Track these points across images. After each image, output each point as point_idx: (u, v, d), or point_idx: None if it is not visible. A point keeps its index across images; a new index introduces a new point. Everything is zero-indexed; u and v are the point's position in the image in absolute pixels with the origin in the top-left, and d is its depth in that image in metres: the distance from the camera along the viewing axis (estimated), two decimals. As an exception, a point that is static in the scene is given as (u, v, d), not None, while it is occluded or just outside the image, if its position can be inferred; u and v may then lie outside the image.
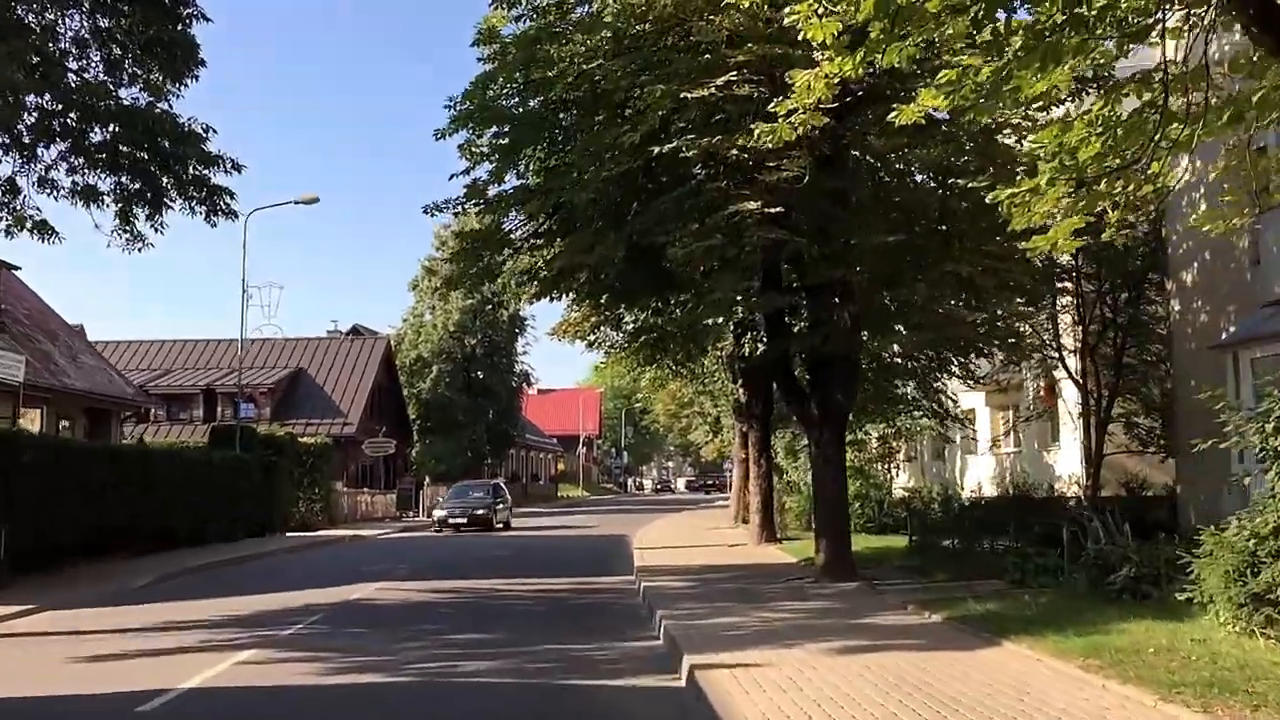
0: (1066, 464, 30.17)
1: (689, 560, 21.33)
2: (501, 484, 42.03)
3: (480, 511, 36.34)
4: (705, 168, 13.76)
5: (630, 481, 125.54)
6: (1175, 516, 18.84)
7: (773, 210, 12.30)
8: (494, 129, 16.92)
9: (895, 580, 15.56)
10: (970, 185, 13.34)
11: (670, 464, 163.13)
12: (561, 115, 16.10)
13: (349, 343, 54.91)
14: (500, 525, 37.10)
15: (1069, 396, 29.00)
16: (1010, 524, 15.13)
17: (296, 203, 30.77)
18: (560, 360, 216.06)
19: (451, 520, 36.16)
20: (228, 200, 15.69)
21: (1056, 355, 26.67)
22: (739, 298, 13.62)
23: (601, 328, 21.85)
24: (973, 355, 21.50)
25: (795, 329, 17.51)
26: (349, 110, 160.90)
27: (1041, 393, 30.86)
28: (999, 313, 14.50)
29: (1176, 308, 18.97)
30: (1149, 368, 26.04)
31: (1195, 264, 18.35)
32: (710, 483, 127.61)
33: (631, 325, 21.39)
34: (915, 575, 15.96)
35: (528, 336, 62.89)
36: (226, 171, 15.55)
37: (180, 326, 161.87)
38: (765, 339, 19.71)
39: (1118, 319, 25.18)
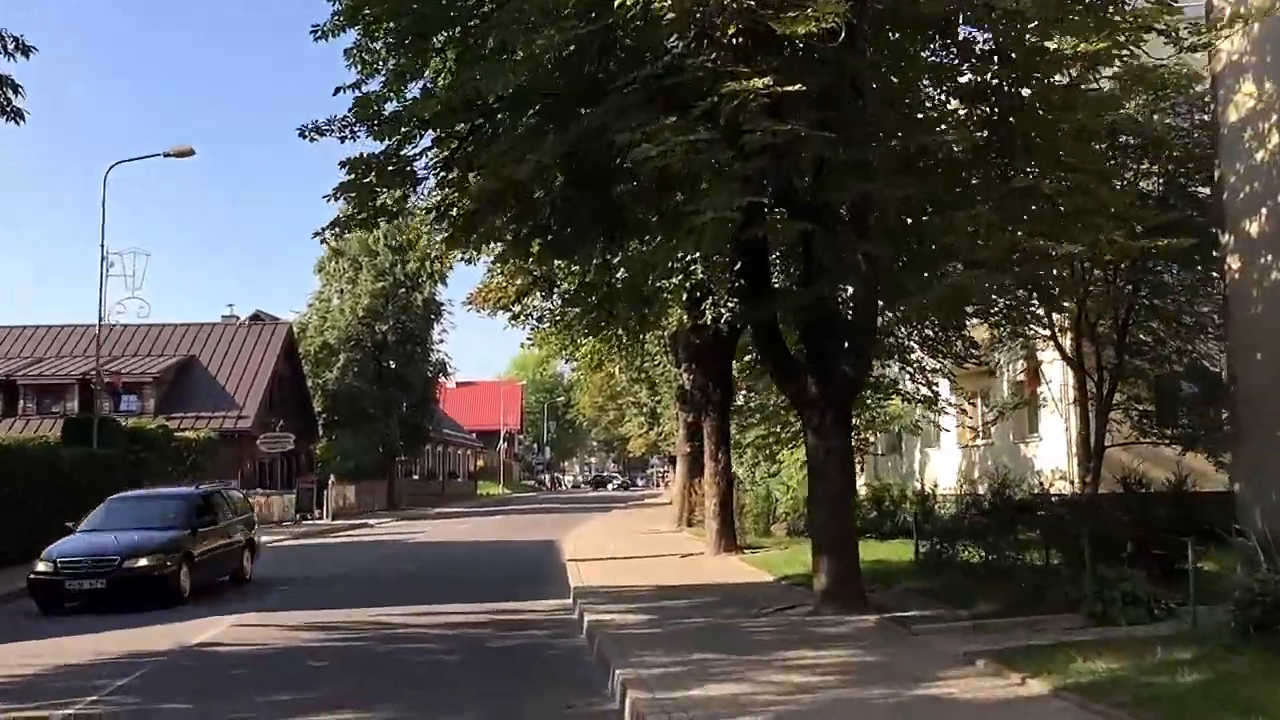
0: (1049, 457, 26.88)
1: (637, 577, 17.40)
2: (225, 493, 21.51)
3: (142, 563, 15.74)
4: (689, 41, 9.76)
5: (551, 478, 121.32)
6: (1233, 520, 15.48)
7: (789, 89, 8.40)
8: (393, 23, 12.72)
9: (922, 612, 11.78)
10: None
11: (593, 460, 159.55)
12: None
13: (246, 329, 49.95)
14: (188, 586, 16.30)
15: (1054, 379, 25.77)
16: (1083, 533, 11.35)
17: (167, 155, 26.15)
18: (481, 351, 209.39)
19: (71, 585, 15.55)
20: (8, 94, 11.35)
21: (1048, 331, 23.35)
22: (730, 223, 9.76)
23: (530, 295, 17.85)
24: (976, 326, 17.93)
25: (784, 283, 13.68)
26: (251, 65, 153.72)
27: (1023, 376, 27.54)
28: (1098, 239, 10.78)
29: (1236, 265, 15.56)
30: (1158, 345, 22.83)
31: (1262, 212, 14.94)
32: (625, 481, 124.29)
33: (569, 286, 17.46)
34: (943, 604, 12.21)
35: (444, 323, 58.34)
36: (7, 54, 11.22)
37: (54, 312, 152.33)
38: (738, 302, 15.94)
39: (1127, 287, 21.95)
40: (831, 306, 12.53)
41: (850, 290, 13.18)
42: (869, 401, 26.32)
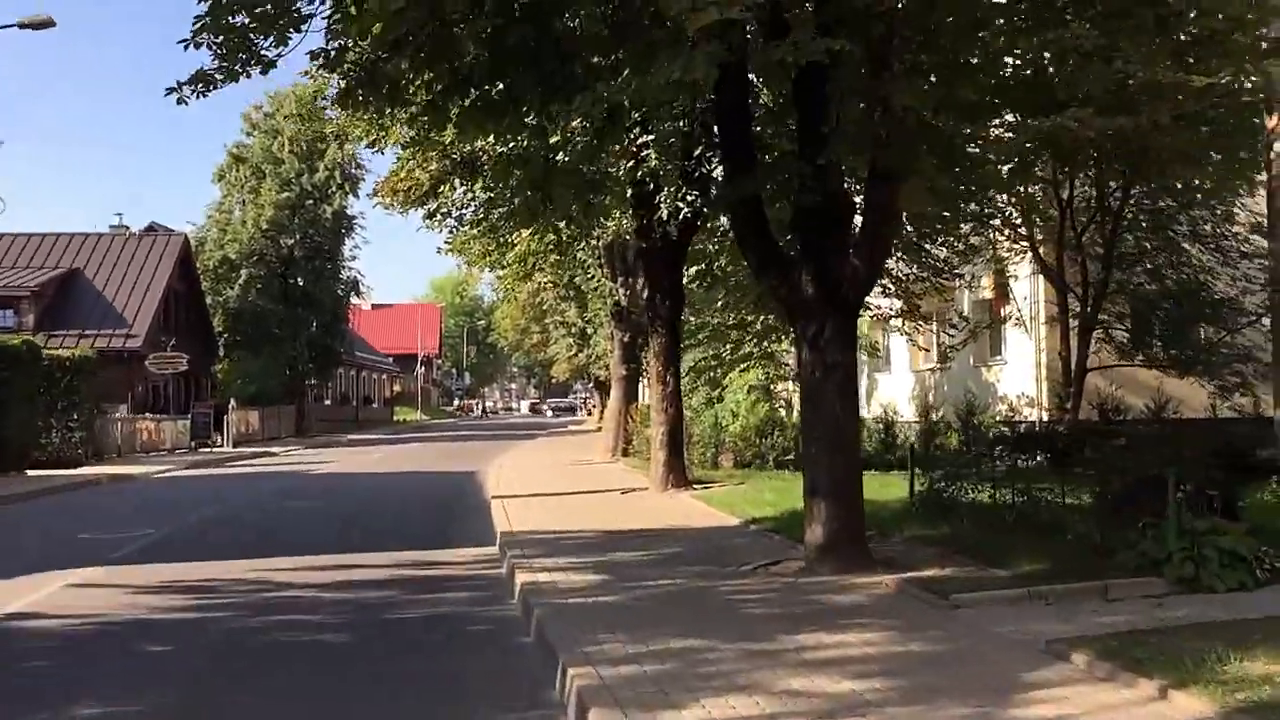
0: (1014, 381, 24.82)
1: (576, 519, 14.76)
2: None
3: None
4: None
5: (482, 405, 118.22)
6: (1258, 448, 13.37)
7: None
8: None
9: (945, 571, 9.30)
10: None
11: (514, 386, 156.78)
12: None
13: (137, 240, 45.81)
14: None
15: (1026, 297, 23.60)
16: (1158, 470, 8.87)
17: (23, 25, 22.26)
18: (398, 272, 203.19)
19: None
20: None
21: (1026, 242, 21.08)
22: (729, 46, 7.01)
23: (448, 184, 14.79)
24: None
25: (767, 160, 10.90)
26: None
27: (989, 293, 25.29)
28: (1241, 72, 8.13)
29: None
30: (1143, 256, 20.67)
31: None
32: (544, 406, 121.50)
33: (496, 168, 14.47)
34: (967, 559, 9.75)
35: (356, 238, 54.49)
36: None
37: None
38: (699, 194, 13.21)
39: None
40: (835, 184, 9.80)
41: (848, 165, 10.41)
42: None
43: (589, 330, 36.31)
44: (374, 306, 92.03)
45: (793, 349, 25.99)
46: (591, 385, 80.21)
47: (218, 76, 10.28)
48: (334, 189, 51.62)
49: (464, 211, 17.49)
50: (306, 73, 14.64)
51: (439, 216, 17.56)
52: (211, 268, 49.72)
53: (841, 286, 9.83)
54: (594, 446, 35.87)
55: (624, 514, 15.18)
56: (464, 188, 15.07)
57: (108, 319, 41.50)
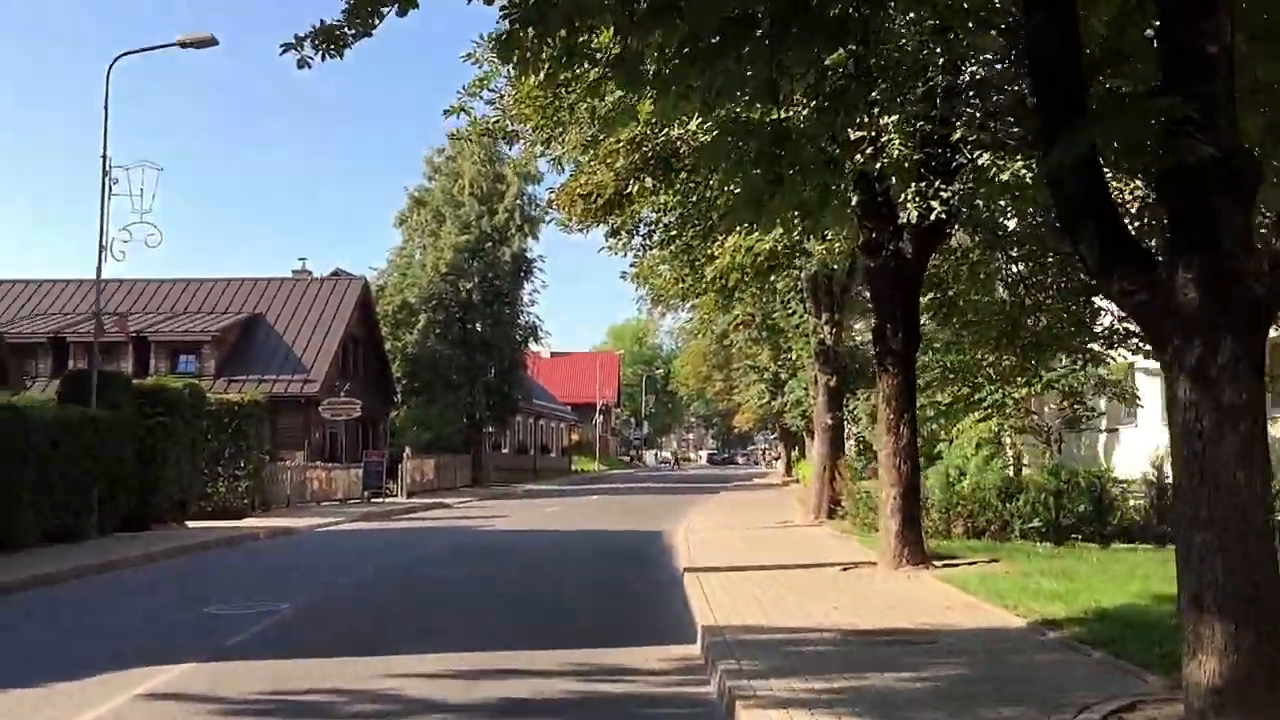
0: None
1: (797, 609, 11.47)
2: None
3: None
4: None
5: (675, 455, 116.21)
6: None
7: None
8: None
9: None
10: None
11: (690, 436, 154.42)
12: None
13: (318, 285, 45.10)
14: None
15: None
16: None
17: (184, 45, 20.86)
18: (576, 322, 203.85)
19: None
20: None
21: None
22: None
23: (637, 185, 11.85)
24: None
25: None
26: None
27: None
28: None
29: None
30: None
31: None
32: (726, 457, 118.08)
33: (715, 139, 11.53)
34: None
35: (535, 281, 52.79)
36: None
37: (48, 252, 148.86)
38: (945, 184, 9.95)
39: None
40: (1229, 134, 6.40)
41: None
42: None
43: (783, 375, 33.10)
44: (552, 355, 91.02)
45: (1015, 396, 22.07)
46: (775, 436, 76.62)
47: (348, 31, 7.65)
48: (513, 230, 50.21)
49: (653, 229, 14.69)
50: (470, 56, 12.13)
51: (623, 235, 14.80)
52: (390, 313, 48.84)
53: (1243, 288, 6.37)
54: (788, 504, 32.45)
55: (859, 602, 11.81)
56: (658, 187, 12.22)
57: (287, 364, 40.71)
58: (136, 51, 21.14)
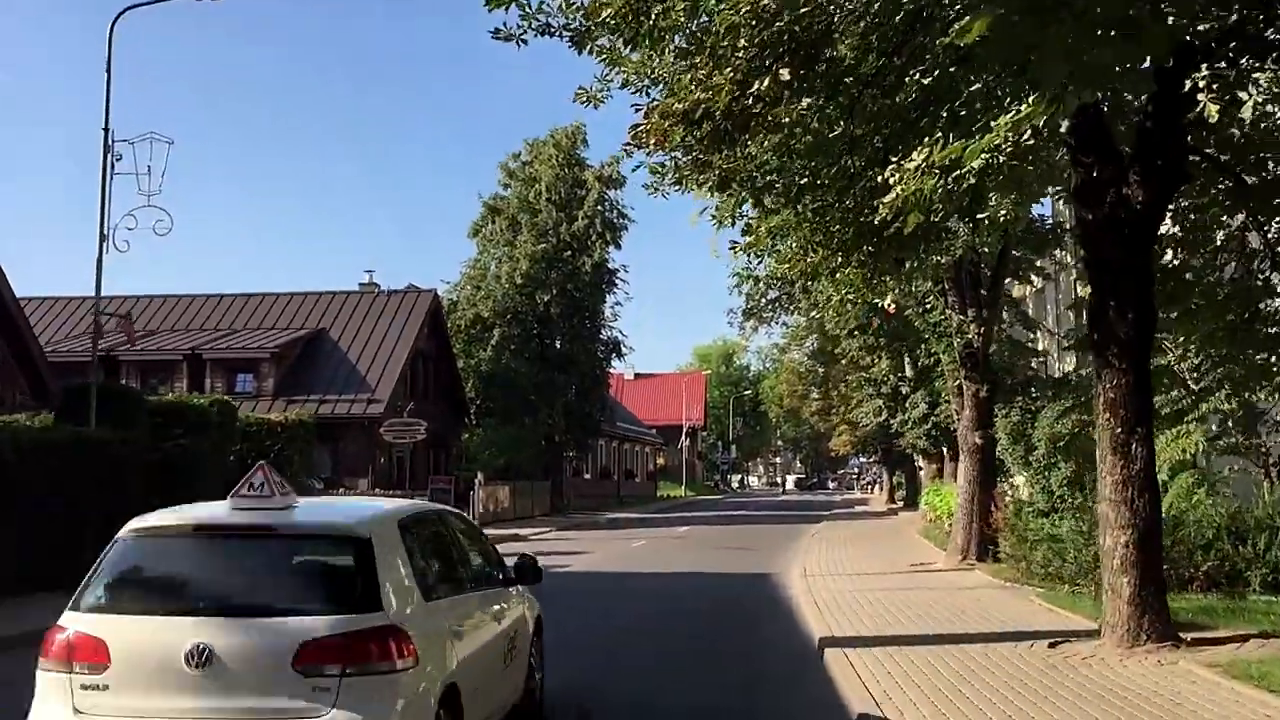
0: None
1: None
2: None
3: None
4: None
5: (738, 480, 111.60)
6: None
7: None
8: None
9: None
10: None
11: (778, 460, 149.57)
12: None
13: (385, 298, 41.84)
14: None
15: None
16: None
17: (201, -2, 17.51)
18: (661, 342, 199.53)
19: None
20: None
21: None
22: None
23: (757, 86, 7.95)
24: None
25: None
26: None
27: None
28: None
29: None
30: None
31: None
32: (816, 482, 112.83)
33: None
34: None
35: (617, 294, 48.98)
36: None
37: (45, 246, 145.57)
38: None
39: None
40: None
41: None
42: None
43: (903, 389, 28.75)
44: (637, 376, 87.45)
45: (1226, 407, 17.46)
46: (874, 459, 71.75)
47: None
48: (594, 238, 46.59)
49: (776, 175, 10.74)
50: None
51: (735, 188, 10.80)
52: (463, 328, 45.48)
53: None
54: (910, 538, 28.05)
55: (1115, 714, 7.63)
56: (798, 84, 8.24)
57: (350, 383, 37.49)
58: (143, 4, 17.78)
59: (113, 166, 17.29)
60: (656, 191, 12.49)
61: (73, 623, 5.70)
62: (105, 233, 17.23)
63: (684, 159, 10.77)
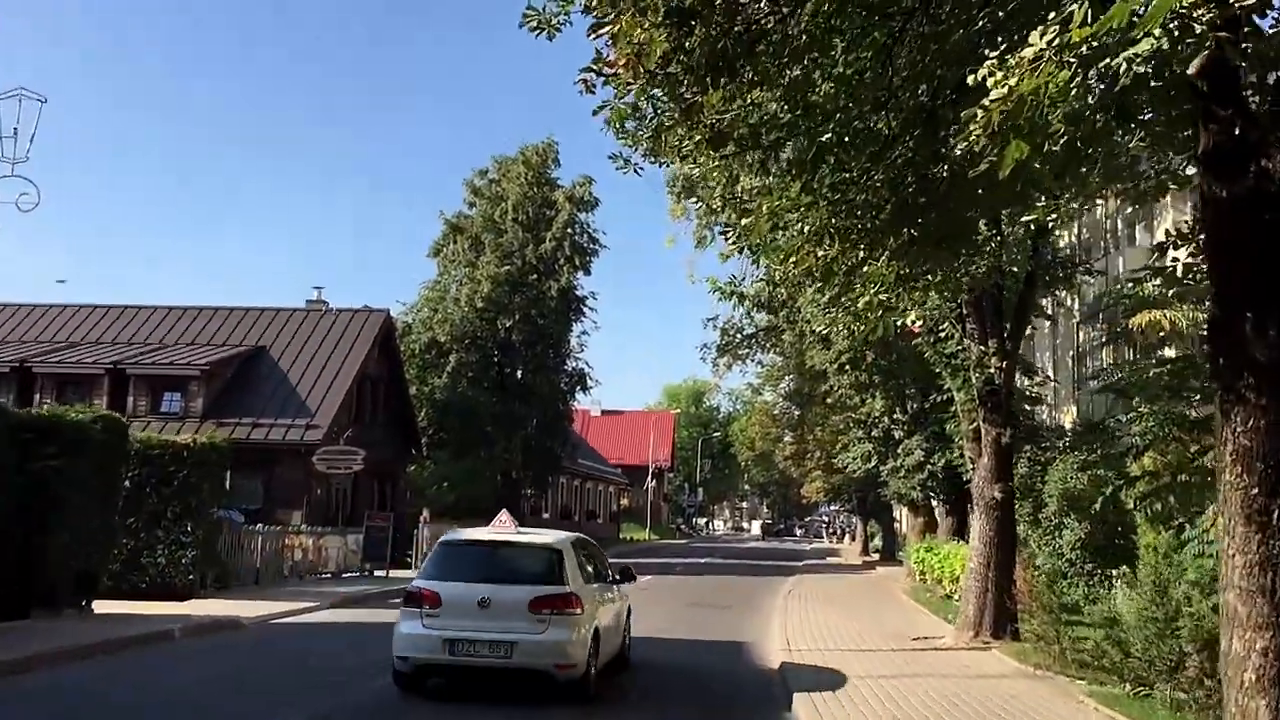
0: None
1: None
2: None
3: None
4: None
5: (704, 524, 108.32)
6: None
7: None
8: None
9: None
10: None
11: (744, 504, 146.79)
12: None
13: (333, 317, 38.59)
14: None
15: None
16: None
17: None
18: (628, 379, 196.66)
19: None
20: None
21: None
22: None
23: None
24: None
25: None
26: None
27: None
28: None
29: None
30: None
31: None
32: (783, 528, 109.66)
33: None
34: None
35: (585, 322, 45.99)
36: None
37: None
38: None
39: None
40: None
41: None
42: None
43: (896, 431, 25.87)
44: (604, 412, 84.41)
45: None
46: (848, 509, 68.91)
47: None
48: (562, 262, 43.68)
49: (780, 135, 7.88)
50: None
51: (734, 145, 7.94)
52: (417, 352, 42.32)
53: None
54: (896, 598, 25.13)
55: None
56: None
57: (289, 406, 34.14)
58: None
59: (-29, 126, 14.20)
60: (625, 165, 9.64)
61: (420, 584, 11.35)
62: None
63: (664, 99, 7.92)
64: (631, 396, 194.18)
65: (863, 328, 9.57)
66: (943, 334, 17.27)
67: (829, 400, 32.53)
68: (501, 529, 13.06)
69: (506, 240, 43.43)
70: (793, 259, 9.75)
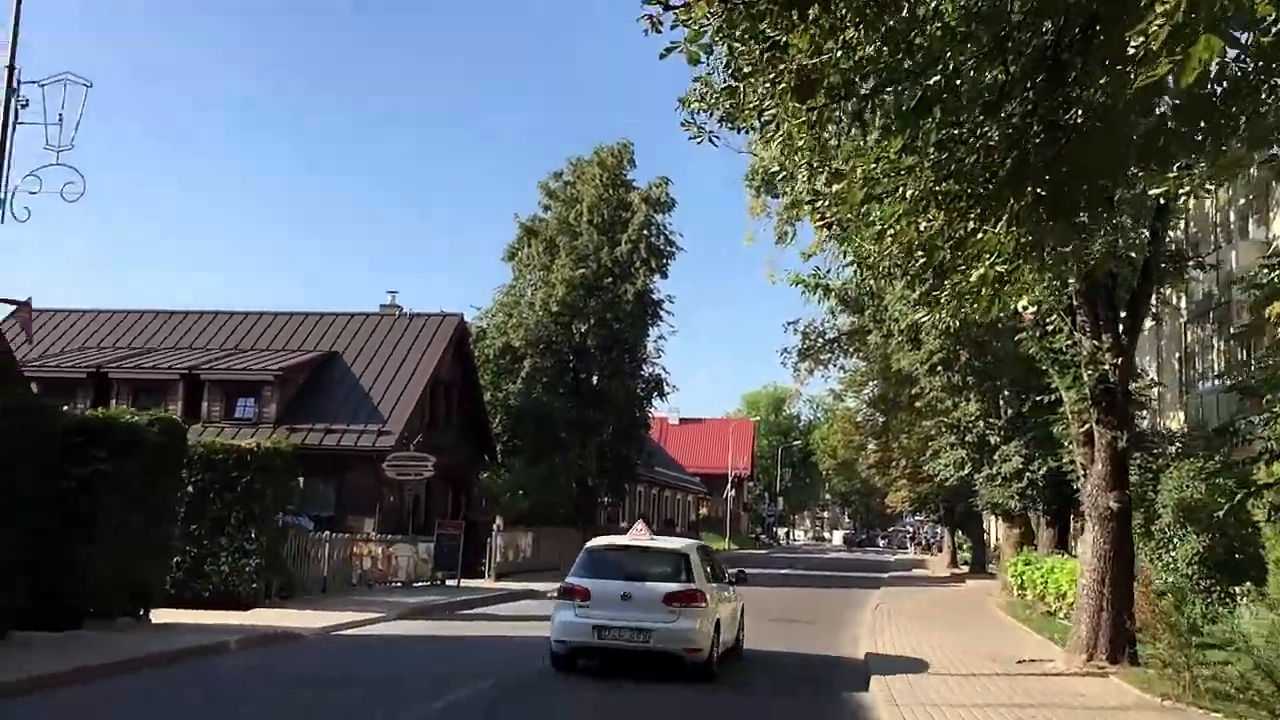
0: None
1: None
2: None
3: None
4: None
5: (784, 532, 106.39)
6: None
7: None
8: None
9: None
10: None
11: (825, 514, 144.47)
12: None
13: (406, 321, 38.07)
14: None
15: None
16: None
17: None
18: (706, 382, 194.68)
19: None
20: None
21: None
22: None
23: None
24: None
25: None
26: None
27: None
28: None
29: None
30: None
31: None
32: (865, 538, 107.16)
33: None
34: None
35: (661, 326, 44.91)
36: None
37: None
38: None
39: None
40: None
41: None
42: None
43: (992, 437, 24.30)
44: (682, 420, 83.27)
45: None
46: (934, 519, 66.78)
47: None
48: (638, 264, 42.70)
49: (879, 80, 6.72)
50: None
51: (825, 96, 6.82)
52: (491, 357, 41.62)
53: None
54: (988, 613, 23.63)
55: None
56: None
57: (361, 412, 33.63)
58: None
59: (16, 114, 13.60)
60: (699, 134, 8.58)
61: (573, 581, 13.72)
62: (3, 196, 13.51)
63: (744, 39, 6.81)
64: (710, 404, 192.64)
65: (975, 307, 8.29)
66: (1050, 327, 15.80)
67: (918, 405, 30.98)
68: (638, 536, 15.02)
69: (581, 243, 42.61)
70: (890, 234, 8.54)
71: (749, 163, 34.43)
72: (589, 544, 14.82)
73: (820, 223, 9.22)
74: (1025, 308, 10.90)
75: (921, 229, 8.08)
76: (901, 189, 7.67)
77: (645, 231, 43.17)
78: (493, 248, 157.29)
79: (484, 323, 43.15)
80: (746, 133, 9.09)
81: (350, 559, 24.70)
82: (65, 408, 18.71)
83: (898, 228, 8.35)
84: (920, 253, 8.55)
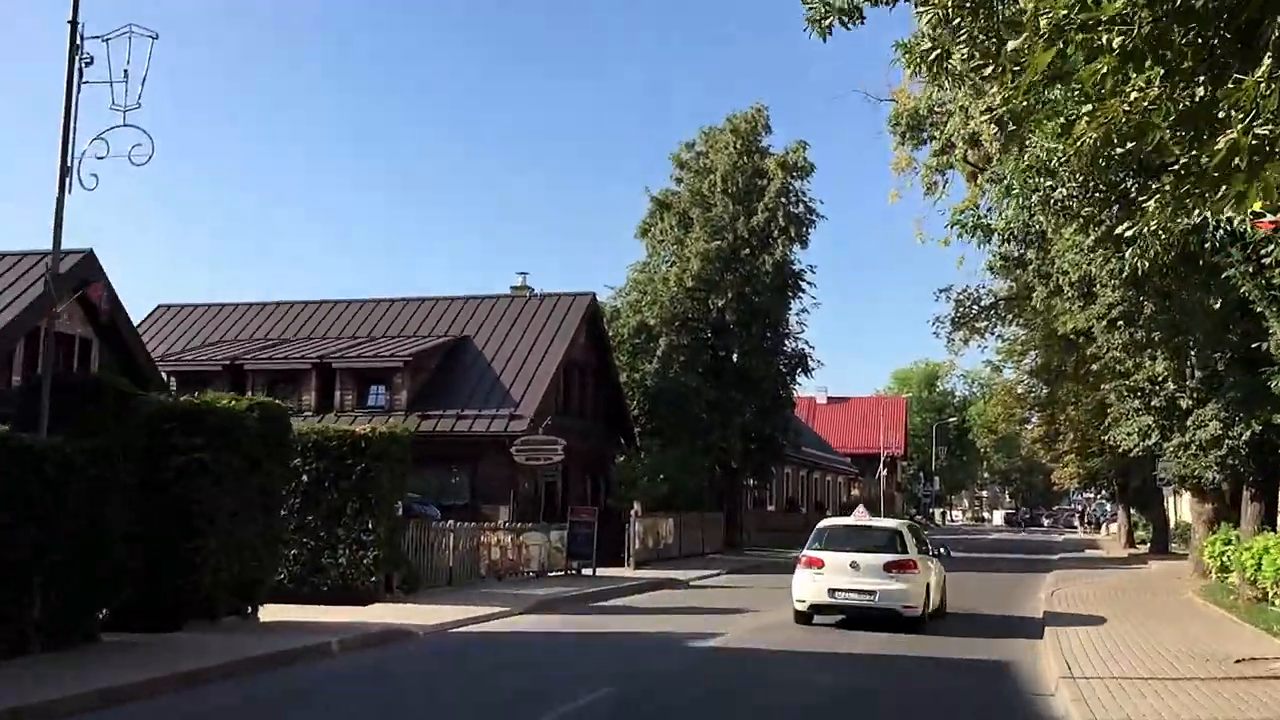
0: None
1: None
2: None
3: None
4: None
5: (941, 513, 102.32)
6: None
7: None
8: None
9: None
10: None
11: (984, 494, 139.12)
12: None
13: (537, 303, 36.85)
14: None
15: None
16: None
17: None
18: (855, 359, 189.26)
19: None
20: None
21: None
22: None
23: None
24: None
25: None
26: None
27: None
28: None
29: None
30: None
31: None
32: (1029, 517, 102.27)
33: None
34: None
35: (803, 299, 42.61)
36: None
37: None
38: None
39: None
40: None
41: None
42: None
43: (1182, 400, 21.27)
44: (830, 400, 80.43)
45: None
46: (1105, 496, 62.59)
47: None
48: (776, 234, 40.53)
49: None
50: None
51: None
52: (626, 337, 40.08)
53: None
54: (1181, 600, 20.88)
55: None
56: None
57: (492, 396, 32.57)
58: None
59: (81, 73, 12.50)
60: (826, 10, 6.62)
61: (809, 553, 17.33)
62: (69, 163, 12.43)
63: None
64: (859, 383, 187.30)
65: (1212, 200, 6.09)
66: (1266, 259, 13.17)
67: (1091, 369, 27.96)
68: (860, 518, 19.40)
69: (715, 214, 40.67)
70: (1085, 118, 6.39)
71: (891, 110, 32.12)
72: (820, 524, 19.15)
73: (995, 94, 7.13)
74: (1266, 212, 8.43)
75: (1132, 100, 5.95)
76: (1108, 39, 5.56)
77: (783, 199, 40.96)
78: (626, 225, 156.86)
79: (617, 301, 41.68)
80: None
81: (478, 549, 23.42)
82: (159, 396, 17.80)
83: (1095, 105, 6.22)
84: (1127, 139, 6.38)
